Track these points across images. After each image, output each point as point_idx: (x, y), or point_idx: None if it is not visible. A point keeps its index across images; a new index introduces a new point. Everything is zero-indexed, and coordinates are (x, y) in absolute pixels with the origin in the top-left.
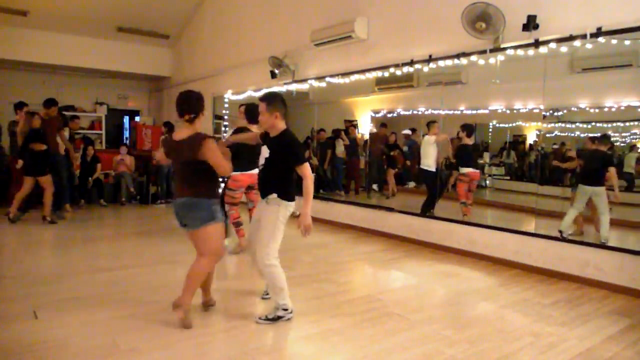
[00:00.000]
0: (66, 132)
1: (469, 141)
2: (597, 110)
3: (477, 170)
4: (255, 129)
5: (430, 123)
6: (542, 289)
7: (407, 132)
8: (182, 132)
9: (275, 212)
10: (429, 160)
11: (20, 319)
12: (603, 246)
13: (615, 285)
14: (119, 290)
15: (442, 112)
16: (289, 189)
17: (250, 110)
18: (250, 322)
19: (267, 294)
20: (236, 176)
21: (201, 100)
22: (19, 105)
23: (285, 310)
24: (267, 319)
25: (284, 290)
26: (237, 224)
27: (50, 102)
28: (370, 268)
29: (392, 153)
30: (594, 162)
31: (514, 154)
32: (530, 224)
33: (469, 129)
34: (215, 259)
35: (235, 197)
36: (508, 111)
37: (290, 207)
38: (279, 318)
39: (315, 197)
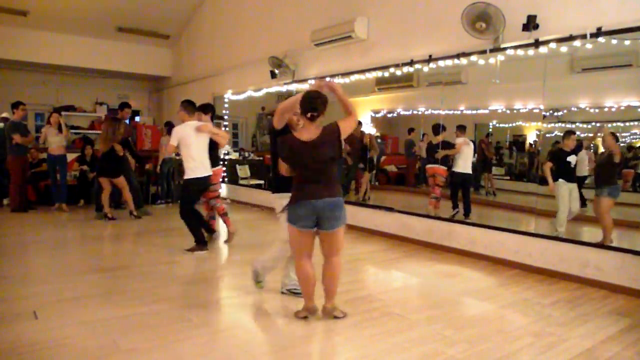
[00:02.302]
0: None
1: (434, 140)
2: (597, 110)
3: (441, 166)
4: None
5: (461, 127)
6: (542, 289)
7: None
8: (307, 131)
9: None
10: (467, 163)
11: (20, 319)
12: (603, 246)
13: (615, 285)
14: (119, 290)
15: (442, 112)
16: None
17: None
18: (250, 322)
19: (288, 289)
20: (216, 170)
21: (326, 103)
22: (16, 105)
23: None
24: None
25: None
26: (225, 214)
27: (124, 105)
28: (370, 268)
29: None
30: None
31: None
32: (530, 224)
33: (434, 128)
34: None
35: (218, 191)
36: (508, 111)
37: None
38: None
39: None
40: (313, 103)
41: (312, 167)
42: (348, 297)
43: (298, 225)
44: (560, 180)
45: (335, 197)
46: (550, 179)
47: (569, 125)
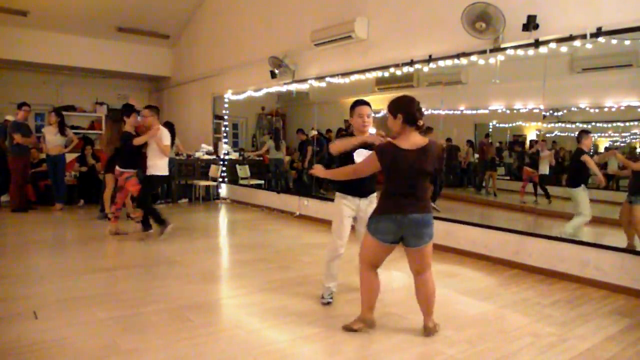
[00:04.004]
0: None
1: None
2: (597, 110)
3: None
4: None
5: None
6: (542, 289)
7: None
8: (408, 140)
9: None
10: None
11: (20, 319)
12: (603, 246)
13: (615, 285)
14: (119, 290)
15: (442, 112)
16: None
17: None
18: (250, 321)
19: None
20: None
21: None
22: (20, 106)
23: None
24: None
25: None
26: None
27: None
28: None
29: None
30: None
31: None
32: (531, 224)
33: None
34: None
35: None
36: (508, 111)
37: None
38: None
39: (315, 196)
40: (421, 111)
41: (409, 177)
42: (348, 297)
43: (377, 237)
44: (582, 185)
45: (424, 213)
46: (598, 171)
47: (568, 125)
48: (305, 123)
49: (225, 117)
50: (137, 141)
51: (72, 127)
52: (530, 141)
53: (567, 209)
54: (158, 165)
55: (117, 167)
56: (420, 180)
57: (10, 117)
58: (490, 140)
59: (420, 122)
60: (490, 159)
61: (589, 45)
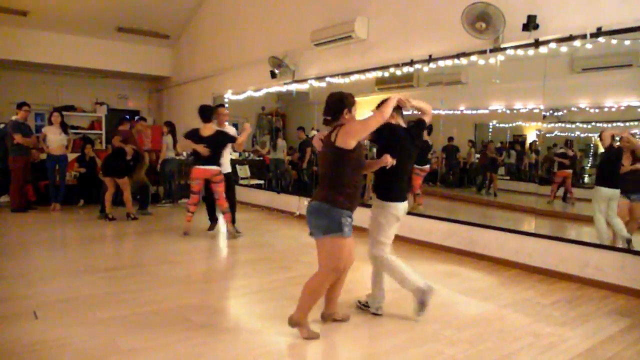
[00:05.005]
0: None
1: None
2: (597, 110)
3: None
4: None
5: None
6: (542, 289)
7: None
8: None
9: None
10: None
11: (20, 319)
12: (603, 246)
13: (615, 285)
14: (119, 290)
15: (442, 112)
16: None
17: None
18: (250, 322)
19: (365, 304)
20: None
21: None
22: (20, 106)
23: (423, 292)
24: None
25: (406, 279)
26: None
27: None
28: (370, 268)
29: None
30: None
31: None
32: (531, 224)
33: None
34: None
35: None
36: (508, 111)
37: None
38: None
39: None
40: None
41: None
42: (348, 297)
43: (349, 234)
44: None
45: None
46: None
47: (569, 125)
48: (305, 123)
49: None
50: (241, 140)
51: (72, 127)
52: (568, 141)
53: (584, 211)
54: (227, 164)
55: (214, 167)
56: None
57: (15, 118)
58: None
59: (329, 118)
60: (491, 160)
61: (589, 45)
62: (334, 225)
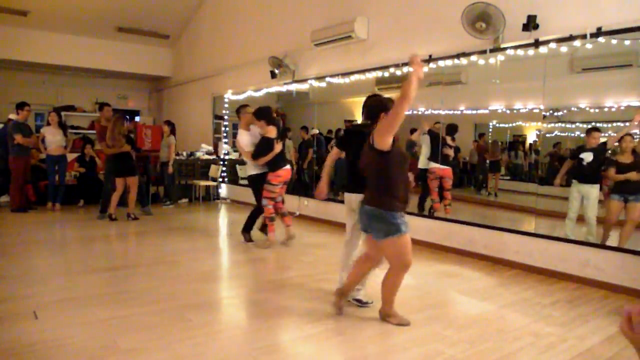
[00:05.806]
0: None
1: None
2: (597, 110)
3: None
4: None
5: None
6: (542, 289)
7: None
8: None
9: None
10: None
11: (20, 319)
12: (603, 246)
13: (615, 285)
14: (119, 290)
15: (442, 112)
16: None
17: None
18: (250, 321)
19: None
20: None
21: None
22: (20, 106)
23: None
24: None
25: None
26: (272, 219)
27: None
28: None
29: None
30: None
31: (513, 154)
32: (531, 224)
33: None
34: None
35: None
36: (508, 111)
37: None
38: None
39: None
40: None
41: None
42: (348, 297)
43: (408, 230)
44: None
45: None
46: None
47: (569, 125)
48: (305, 123)
49: (225, 117)
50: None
51: (72, 127)
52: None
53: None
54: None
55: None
56: None
57: (13, 116)
58: (488, 140)
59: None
60: (485, 161)
61: (589, 45)
62: (393, 228)
